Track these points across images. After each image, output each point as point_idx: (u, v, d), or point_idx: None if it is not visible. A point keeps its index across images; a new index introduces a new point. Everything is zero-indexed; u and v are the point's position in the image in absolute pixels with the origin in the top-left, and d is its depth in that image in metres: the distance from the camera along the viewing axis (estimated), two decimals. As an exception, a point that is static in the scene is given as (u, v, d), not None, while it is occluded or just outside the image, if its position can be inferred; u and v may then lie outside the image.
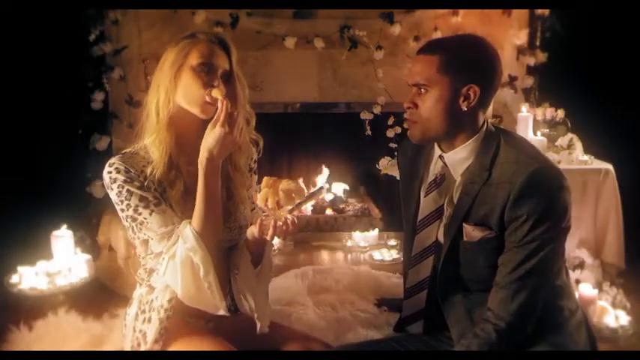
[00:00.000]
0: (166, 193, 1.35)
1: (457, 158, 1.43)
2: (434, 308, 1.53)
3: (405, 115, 1.43)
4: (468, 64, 1.37)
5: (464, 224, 1.40)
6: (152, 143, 1.36)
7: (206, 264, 1.30)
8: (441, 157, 1.46)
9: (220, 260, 1.38)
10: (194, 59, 1.34)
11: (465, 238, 1.40)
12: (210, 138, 1.28)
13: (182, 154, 1.38)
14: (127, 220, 1.34)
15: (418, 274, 1.55)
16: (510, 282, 1.33)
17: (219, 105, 1.29)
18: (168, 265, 1.31)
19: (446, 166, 1.45)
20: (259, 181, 1.35)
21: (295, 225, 1.30)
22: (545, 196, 1.31)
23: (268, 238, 1.31)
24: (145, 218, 1.31)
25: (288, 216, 1.29)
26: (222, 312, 1.35)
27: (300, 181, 2.98)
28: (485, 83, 1.39)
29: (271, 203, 1.27)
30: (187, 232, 1.30)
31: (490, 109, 3.22)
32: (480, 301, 1.40)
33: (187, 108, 1.35)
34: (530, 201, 1.30)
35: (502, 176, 1.35)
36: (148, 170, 1.33)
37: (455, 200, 1.43)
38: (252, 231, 1.35)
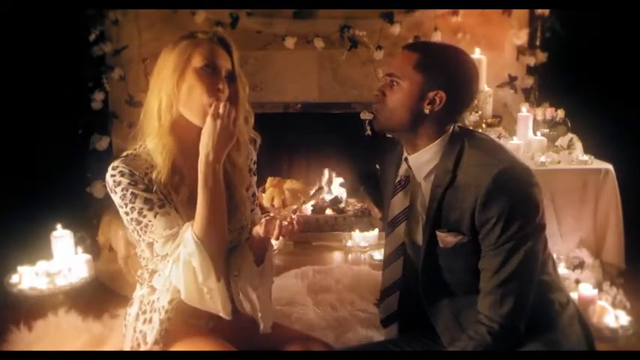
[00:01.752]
0: (171, 196, 1.34)
1: (420, 161, 1.43)
2: (407, 310, 1.54)
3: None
4: (442, 70, 1.38)
5: (437, 231, 1.39)
6: (155, 148, 1.34)
7: (205, 269, 1.28)
8: (405, 159, 1.46)
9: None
10: (197, 62, 1.31)
11: (440, 245, 1.40)
12: (205, 134, 1.27)
13: (186, 159, 1.36)
14: (131, 224, 1.32)
15: (390, 275, 1.55)
16: (495, 286, 1.33)
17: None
18: (172, 267, 1.30)
19: (410, 168, 1.45)
20: (262, 183, 1.35)
21: (300, 225, 1.29)
22: (511, 196, 1.30)
23: (273, 238, 1.29)
24: (150, 221, 1.30)
25: (293, 215, 1.28)
26: (223, 315, 1.34)
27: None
28: (454, 94, 1.39)
29: (277, 202, 1.26)
30: (187, 236, 1.28)
31: (490, 109, 3.25)
32: (466, 303, 1.40)
33: (189, 117, 1.33)
34: (498, 202, 1.30)
35: (468, 179, 1.34)
36: (154, 174, 1.32)
37: (426, 205, 1.43)
38: (257, 231, 1.34)
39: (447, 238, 1.38)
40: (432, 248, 1.42)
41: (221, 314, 1.34)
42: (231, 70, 1.36)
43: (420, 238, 1.47)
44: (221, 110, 1.26)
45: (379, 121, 1.45)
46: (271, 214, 1.29)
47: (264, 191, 1.27)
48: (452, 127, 1.43)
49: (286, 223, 1.27)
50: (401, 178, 1.49)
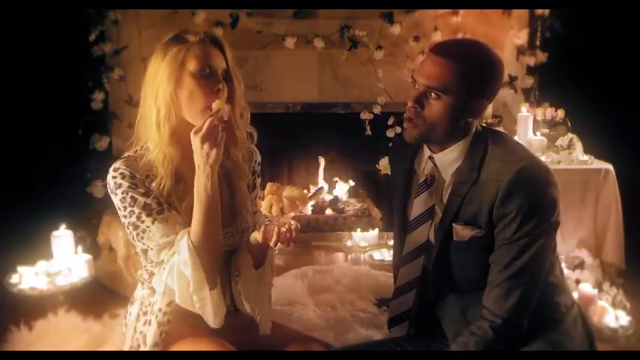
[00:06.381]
0: (175, 205, 1.33)
1: (447, 159, 1.42)
2: (422, 308, 1.53)
3: (406, 115, 1.40)
4: (485, 77, 1.37)
5: (453, 224, 1.40)
6: (156, 158, 1.32)
7: (197, 279, 1.27)
8: (430, 157, 1.45)
9: (222, 265, 1.37)
10: (192, 65, 1.29)
11: (454, 238, 1.40)
12: (196, 149, 1.23)
13: (189, 166, 1.34)
14: (128, 227, 1.31)
15: (408, 273, 1.54)
16: (503, 280, 1.33)
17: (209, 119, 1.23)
18: (167, 275, 1.30)
19: (436, 167, 1.45)
20: (262, 186, 1.34)
21: (299, 232, 1.28)
22: (532, 192, 1.32)
23: (272, 244, 1.28)
24: (148, 227, 1.29)
25: (292, 222, 1.27)
26: (211, 324, 1.33)
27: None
28: (492, 96, 1.40)
29: (275, 210, 1.25)
30: (183, 244, 1.27)
31: (490, 109, 3.24)
32: (474, 300, 1.40)
33: (192, 121, 1.31)
34: (517, 198, 1.30)
35: (490, 175, 1.35)
36: (155, 184, 1.31)
37: (444, 201, 1.43)
38: (256, 237, 1.33)
39: (463, 231, 1.39)
40: (446, 243, 1.42)
41: (209, 323, 1.33)
42: (226, 68, 1.35)
43: (432, 234, 1.48)
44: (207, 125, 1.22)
45: (414, 133, 1.39)
46: (270, 220, 1.29)
47: (263, 198, 1.27)
48: (475, 125, 1.44)
49: (284, 229, 1.26)
50: (427, 177, 1.47)
